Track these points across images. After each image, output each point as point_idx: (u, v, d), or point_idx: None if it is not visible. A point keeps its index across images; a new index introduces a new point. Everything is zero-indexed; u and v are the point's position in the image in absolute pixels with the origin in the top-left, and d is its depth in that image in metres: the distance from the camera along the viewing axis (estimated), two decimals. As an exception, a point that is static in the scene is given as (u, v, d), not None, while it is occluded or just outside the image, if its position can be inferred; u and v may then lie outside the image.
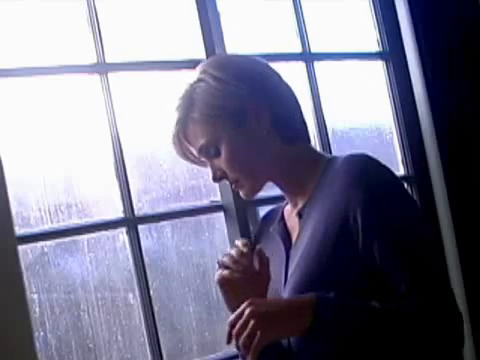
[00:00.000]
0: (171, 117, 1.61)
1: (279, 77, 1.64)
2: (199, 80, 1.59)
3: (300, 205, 1.61)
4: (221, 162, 1.59)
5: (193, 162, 1.67)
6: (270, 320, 1.41)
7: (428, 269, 1.46)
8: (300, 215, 1.60)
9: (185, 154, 1.65)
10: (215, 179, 1.63)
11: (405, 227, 1.49)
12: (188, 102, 1.58)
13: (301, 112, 1.65)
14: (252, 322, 1.39)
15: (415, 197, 2.95)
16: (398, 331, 1.43)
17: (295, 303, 1.45)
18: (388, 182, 1.52)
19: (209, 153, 1.60)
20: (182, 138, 1.61)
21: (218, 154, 1.59)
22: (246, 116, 1.57)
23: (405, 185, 2.95)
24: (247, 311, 1.40)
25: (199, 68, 1.62)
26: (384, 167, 1.53)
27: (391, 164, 2.94)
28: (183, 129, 1.60)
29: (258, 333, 1.38)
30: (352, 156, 1.55)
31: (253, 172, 1.59)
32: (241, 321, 1.40)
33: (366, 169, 1.51)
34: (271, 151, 1.59)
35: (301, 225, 1.59)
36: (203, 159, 1.63)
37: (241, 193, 1.64)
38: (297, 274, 1.54)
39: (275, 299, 1.54)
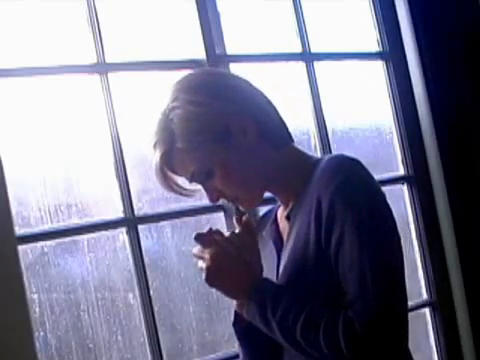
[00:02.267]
0: (153, 154, 1.57)
1: (250, 84, 1.62)
2: (174, 108, 1.53)
3: (289, 208, 1.61)
4: (216, 183, 1.56)
5: (180, 194, 1.64)
6: (217, 275, 1.55)
7: (374, 279, 1.43)
8: (288, 218, 1.60)
9: (172, 187, 1.61)
10: (213, 200, 1.60)
11: (366, 223, 1.46)
12: (168, 134, 1.53)
13: (278, 113, 1.63)
14: (205, 263, 1.54)
15: (415, 197, 2.95)
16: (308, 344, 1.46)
17: (243, 277, 1.54)
18: (359, 176, 1.50)
19: (201, 178, 1.57)
20: (168, 172, 1.58)
21: (211, 177, 1.56)
22: (231, 132, 1.54)
23: (405, 186, 2.96)
24: (207, 253, 1.54)
25: (170, 95, 1.56)
26: (362, 168, 1.52)
27: (391, 164, 2.97)
28: (169, 163, 1.56)
29: (204, 273, 1.54)
30: (332, 157, 1.55)
31: (251, 185, 1.58)
32: (199, 253, 1.55)
33: (340, 165, 1.51)
34: (263, 159, 1.58)
35: (289, 227, 1.59)
36: (190, 187, 1.62)
37: (242, 208, 1.63)
38: (284, 277, 1.56)
39: (238, 262, 1.55)
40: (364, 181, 1.51)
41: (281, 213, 1.67)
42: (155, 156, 1.56)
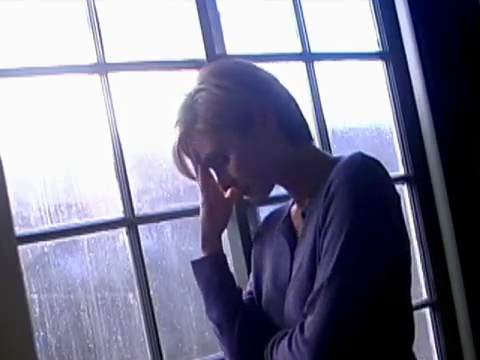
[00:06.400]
0: (172, 133, 1.58)
1: (276, 79, 1.65)
2: (200, 90, 1.56)
3: (305, 205, 1.61)
4: (230, 169, 1.58)
5: (192, 178, 1.66)
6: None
7: (348, 282, 1.40)
8: (304, 215, 1.60)
9: (185, 169, 1.64)
10: (225, 188, 1.62)
11: (360, 219, 1.43)
12: (190, 114, 1.55)
13: (300, 112, 1.65)
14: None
15: (415, 197, 2.95)
16: None
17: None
18: (371, 173, 1.49)
19: (217, 162, 1.59)
20: (185, 153, 1.59)
21: (226, 162, 1.57)
22: (252, 121, 1.56)
23: (405, 186, 2.96)
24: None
25: (197, 79, 1.59)
26: (380, 167, 1.51)
27: (391, 164, 2.97)
28: (187, 143, 1.57)
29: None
30: (351, 156, 1.54)
31: (263, 175, 1.59)
32: None
33: (356, 162, 1.51)
34: (278, 153, 1.59)
35: (304, 224, 1.59)
36: (210, 169, 1.63)
37: (252, 199, 1.64)
38: (300, 275, 1.55)
39: None
40: (376, 179, 1.48)
41: (295, 210, 1.67)
42: (174, 135, 1.58)
